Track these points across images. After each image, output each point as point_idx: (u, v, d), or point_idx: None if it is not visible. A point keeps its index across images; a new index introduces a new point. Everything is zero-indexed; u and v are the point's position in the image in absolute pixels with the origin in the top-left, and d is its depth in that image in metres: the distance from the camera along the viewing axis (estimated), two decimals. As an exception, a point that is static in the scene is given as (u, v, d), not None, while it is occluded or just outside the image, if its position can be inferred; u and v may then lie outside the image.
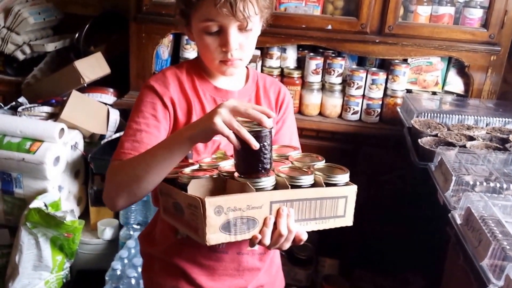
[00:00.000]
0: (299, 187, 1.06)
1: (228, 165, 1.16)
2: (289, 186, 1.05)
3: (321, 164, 1.17)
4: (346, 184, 1.12)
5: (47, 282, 2.25)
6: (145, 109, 1.23)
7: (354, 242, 2.40)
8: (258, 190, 1.02)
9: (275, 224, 1.04)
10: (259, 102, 1.33)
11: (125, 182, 1.12)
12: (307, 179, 1.08)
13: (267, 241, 1.04)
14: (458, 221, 1.30)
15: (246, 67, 1.35)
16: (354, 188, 1.12)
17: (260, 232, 1.04)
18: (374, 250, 2.34)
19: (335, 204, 1.10)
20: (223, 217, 0.99)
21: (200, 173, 1.12)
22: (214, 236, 0.99)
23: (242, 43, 1.19)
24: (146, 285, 1.42)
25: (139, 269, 2.12)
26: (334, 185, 1.10)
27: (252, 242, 1.05)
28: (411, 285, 2.36)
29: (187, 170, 1.14)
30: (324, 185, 1.08)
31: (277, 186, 1.06)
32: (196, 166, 1.17)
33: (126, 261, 2.20)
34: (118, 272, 2.15)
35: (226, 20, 1.14)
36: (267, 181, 1.04)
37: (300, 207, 1.07)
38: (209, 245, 1.00)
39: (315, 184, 1.09)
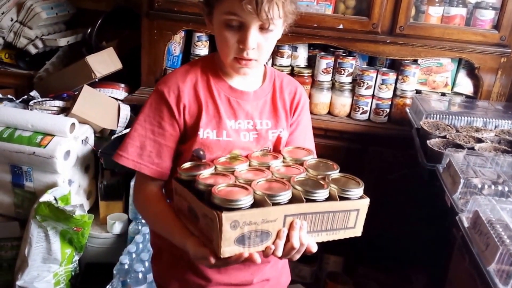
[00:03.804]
0: (314, 201, 1.07)
1: (243, 169, 1.16)
2: (304, 200, 1.05)
3: (336, 174, 1.16)
4: (360, 197, 1.12)
5: (56, 274, 2.27)
6: (152, 115, 1.24)
7: (359, 239, 2.39)
8: (274, 204, 1.03)
9: (287, 236, 1.06)
10: (275, 104, 1.31)
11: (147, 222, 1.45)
12: (323, 194, 1.08)
13: (280, 252, 1.06)
14: (466, 224, 1.29)
15: (264, 65, 1.33)
16: (366, 201, 1.12)
17: (273, 243, 1.05)
18: (378, 248, 2.34)
19: (347, 216, 1.11)
20: (238, 231, 0.99)
21: (217, 178, 1.11)
22: (228, 249, 1.00)
23: (261, 44, 1.16)
24: (155, 275, 1.44)
25: (147, 264, 2.14)
26: (348, 198, 1.10)
27: (265, 253, 1.06)
28: (414, 284, 2.37)
29: (204, 174, 1.12)
30: (338, 198, 1.08)
31: (293, 199, 1.06)
32: (212, 169, 1.15)
33: (134, 255, 2.22)
34: (126, 266, 2.16)
35: (248, 17, 1.11)
36: (284, 196, 1.04)
37: (313, 220, 1.08)
38: (222, 257, 1.01)
39: (329, 197, 1.09)
